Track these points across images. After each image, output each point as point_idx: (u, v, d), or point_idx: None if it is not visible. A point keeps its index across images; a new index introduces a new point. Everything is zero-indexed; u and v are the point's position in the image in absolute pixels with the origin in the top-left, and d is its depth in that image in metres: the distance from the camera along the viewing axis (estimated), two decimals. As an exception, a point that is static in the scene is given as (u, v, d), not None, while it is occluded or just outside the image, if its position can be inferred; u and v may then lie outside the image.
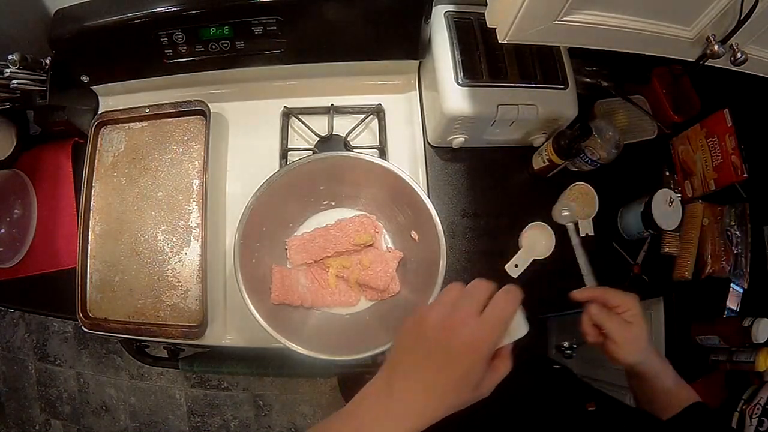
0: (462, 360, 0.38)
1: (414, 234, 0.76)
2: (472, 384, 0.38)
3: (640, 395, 0.63)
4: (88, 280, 0.81)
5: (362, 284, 0.77)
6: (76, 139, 0.90)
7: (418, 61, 0.89)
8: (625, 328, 0.58)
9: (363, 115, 0.90)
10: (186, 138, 0.87)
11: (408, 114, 0.92)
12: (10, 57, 0.74)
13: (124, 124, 0.88)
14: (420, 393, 0.38)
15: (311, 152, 0.86)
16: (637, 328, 0.58)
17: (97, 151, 0.87)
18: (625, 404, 0.63)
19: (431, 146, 0.91)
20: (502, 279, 0.84)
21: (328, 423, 0.40)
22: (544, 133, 0.86)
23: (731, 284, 0.93)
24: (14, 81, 0.75)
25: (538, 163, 0.88)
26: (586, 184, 0.87)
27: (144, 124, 0.88)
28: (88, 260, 0.82)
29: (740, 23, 0.50)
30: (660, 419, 0.57)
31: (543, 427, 0.59)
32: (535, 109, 0.78)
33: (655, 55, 0.57)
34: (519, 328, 0.43)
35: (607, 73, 0.93)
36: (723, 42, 0.52)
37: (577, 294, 0.63)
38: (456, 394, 0.38)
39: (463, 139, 0.84)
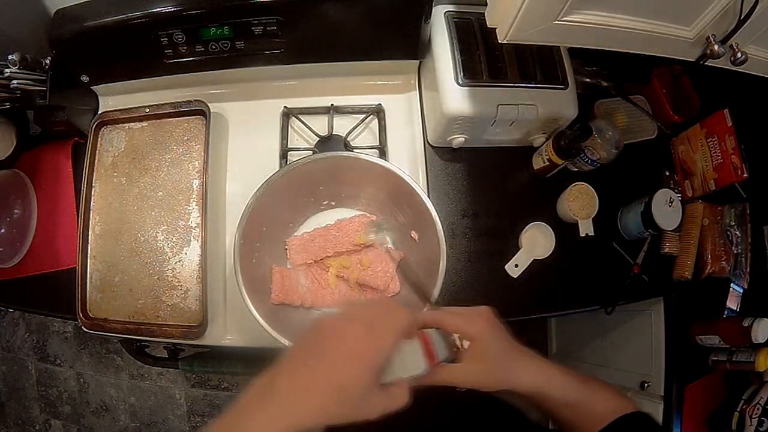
0: (344, 368, 0.38)
1: (414, 234, 0.76)
2: (356, 397, 0.38)
3: (549, 416, 0.51)
4: (88, 280, 0.81)
5: (362, 284, 0.77)
6: (76, 139, 0.90)
7: (418, 61, 0.89)
8: (470, 363, 0.47)
9: (363, 115, 0.90)
10: (186, 138, 0.87)
11: (408, 114, 0.92)
12: (10, 57, 0.74)
13: (124, 124, 0.88)
14: (300, 394, 0.37)
15: (311, 152, 0.86)
16: (489, 361, 0.46)
17: (97, 151, 0.87)
18: (535, 427, 0.52)
19: (431, 146, 0.90)
20: (502, 279, 0.85)
21: (219, 417, 0.39)
22: (544, 133, 0.86)
23: (731, 284, 0.93)
24: (14, 81, 0.75)
25: (538, 163, 0.88)
26: (586, 184, 0.87)
27: (144, 124, 0.88)
28: (88, 260, 0.82)
29: (740, 23, 0.50)
30: None
31: None
32: (535, 109, 0.78)
33: (655, 55, 0.57)
34: (417, 364, 0.42)
35: (607, 73, 0.92)
36: (723, 42, 0.52)
37: None
38: (337, 403, 0.37)
39: (463, 139, 0.84)
